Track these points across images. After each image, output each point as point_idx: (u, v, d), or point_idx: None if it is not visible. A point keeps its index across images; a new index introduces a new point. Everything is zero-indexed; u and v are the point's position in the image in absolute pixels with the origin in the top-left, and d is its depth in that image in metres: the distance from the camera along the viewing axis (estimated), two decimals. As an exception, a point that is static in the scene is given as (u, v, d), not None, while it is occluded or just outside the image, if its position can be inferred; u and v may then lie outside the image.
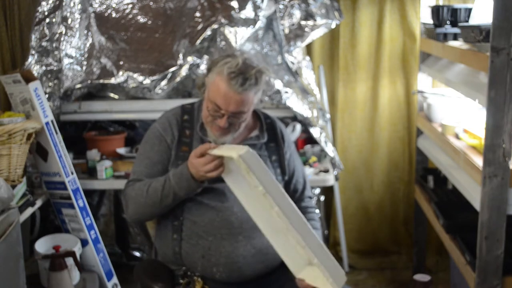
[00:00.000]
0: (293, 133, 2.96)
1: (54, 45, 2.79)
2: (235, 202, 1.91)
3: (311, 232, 1.68)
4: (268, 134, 2.07)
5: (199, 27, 2.84)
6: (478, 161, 2.18)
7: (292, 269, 1.76)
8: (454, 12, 2.72)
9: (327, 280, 1.63)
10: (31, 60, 2.77)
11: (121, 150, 3.05)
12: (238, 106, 1.87)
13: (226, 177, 1.83)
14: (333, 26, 3.07)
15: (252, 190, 1.73)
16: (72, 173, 2.59)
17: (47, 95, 2.75)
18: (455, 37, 2.69)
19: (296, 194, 2.13)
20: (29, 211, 2.48)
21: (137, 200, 1.95)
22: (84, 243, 2.61)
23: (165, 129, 2.02)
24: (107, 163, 2.85)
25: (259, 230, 1.79)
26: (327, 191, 3.39)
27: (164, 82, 2.87)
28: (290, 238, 1.73)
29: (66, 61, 2.83)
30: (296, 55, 3.04)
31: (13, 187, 2.27)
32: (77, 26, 2.85)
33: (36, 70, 2.77)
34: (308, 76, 3.04)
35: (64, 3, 2.80)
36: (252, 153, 1.67)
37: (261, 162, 1.68)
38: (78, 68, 2.87)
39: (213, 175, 1.81)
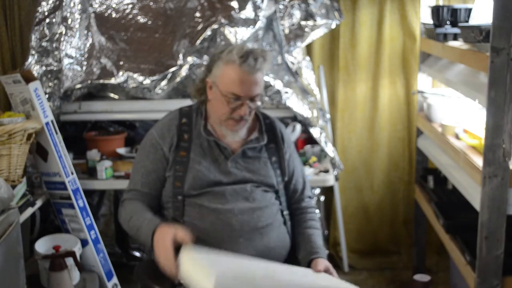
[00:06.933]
0: (293, 133, 2.96)
1: (54, 45, 2.79)
2: (236, 205, 1.91)
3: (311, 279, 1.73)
4: (267, 135, 2.06)
5: (199, 27, 2.84)
6: (478, 161, 2.18)
7: None
8: (454, 12, 2.72)
9: None
10: (31, 60, 2.77)
11: (121, 150, 3.05)
12: (255, 89, 1.89)
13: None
14: (333, 26, 3.07)
15: None
16: (72, 173, 2.59)
17: (47, 95, 2.75)
18: (455, 37, 2.69)
19: (296, 194, 2.12)
20: (29, 211, 2.48)
21: (124, 222, 2.00)
22: (84, 243, 2.61)
23: (163, 136, 2.00)
24: (107, 163, 2.85)
25: (260, 232, 1.78)
26: (327, 191, 3.38)
27: (164, 82, 2.87)
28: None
29: (66, 61, 2.83)
30: (296, 55, 3.04)
31: (13, 187, 2.27)
32: (77, 26, 2.85)
33: (36, 70, 2.76)
34: (308, 76, 3.04)
35: (64, 3, 2.80)
36: (222, 276, 1.57)
37: (234, 272, 1.62)
38: (78, 68, 2.87)
39: (161, 266, 1.78)
